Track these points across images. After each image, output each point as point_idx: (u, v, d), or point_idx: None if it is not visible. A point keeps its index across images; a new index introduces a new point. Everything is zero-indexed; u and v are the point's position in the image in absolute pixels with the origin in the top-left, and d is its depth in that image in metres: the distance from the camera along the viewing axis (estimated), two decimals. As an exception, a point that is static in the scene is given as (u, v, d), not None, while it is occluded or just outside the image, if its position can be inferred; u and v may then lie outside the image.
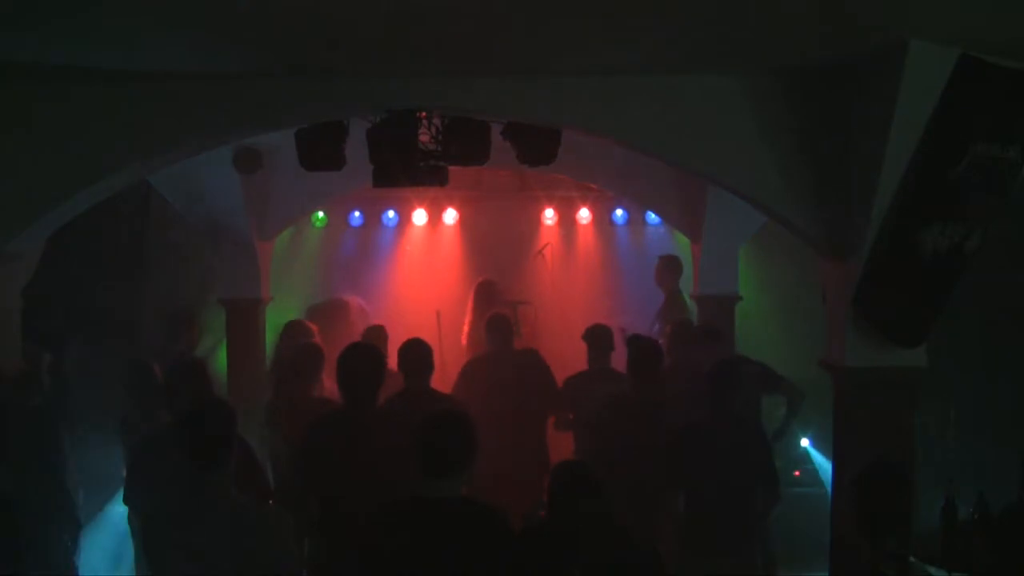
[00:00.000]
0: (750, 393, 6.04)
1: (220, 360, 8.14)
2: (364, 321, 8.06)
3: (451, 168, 5.61)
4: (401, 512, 3.63)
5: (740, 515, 5.02)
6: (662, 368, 5.62)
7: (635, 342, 5.74)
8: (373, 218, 9.89)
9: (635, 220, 9.82)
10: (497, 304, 7.57)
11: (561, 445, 6.46)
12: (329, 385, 5.78)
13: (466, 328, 8.12)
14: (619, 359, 6.13)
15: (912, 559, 3.78)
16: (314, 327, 6.81)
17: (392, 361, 5.32)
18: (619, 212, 9.79)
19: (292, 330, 6.79)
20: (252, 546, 3.47)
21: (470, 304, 7.98)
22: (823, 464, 7.63)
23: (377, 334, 6.54)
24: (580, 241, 10.04)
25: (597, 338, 6.37)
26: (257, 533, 3.49)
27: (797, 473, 7.49)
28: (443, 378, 6.47)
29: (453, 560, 3.48)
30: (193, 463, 3.50)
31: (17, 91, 4.69)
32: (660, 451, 5.08)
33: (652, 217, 9.56)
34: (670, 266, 8.66)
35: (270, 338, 8.63)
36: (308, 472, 4.63)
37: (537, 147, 5.59)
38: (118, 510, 5.63)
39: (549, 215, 9.87)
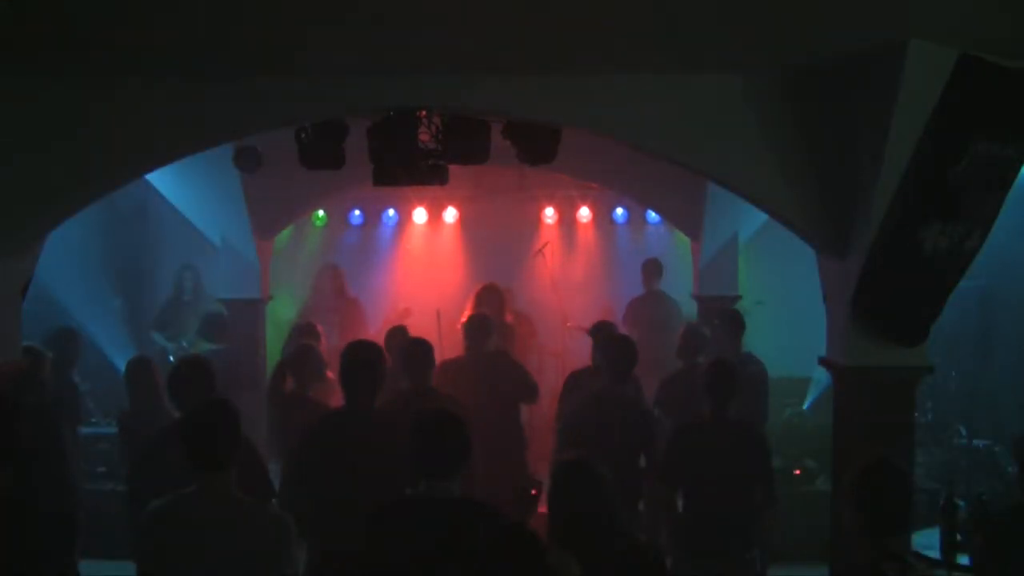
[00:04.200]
0: (753, 392, 6.06)
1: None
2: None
3: (451, 167, 5.61)
4: (399, 512, 3.64)
5: (739, 515, 5.02)
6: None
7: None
8: (373, 217, 9.92)
9: (635, 219, 9.85)
10: (498, 309, 7.57)
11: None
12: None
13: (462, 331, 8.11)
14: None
15: (912, 558, 3.78)
16: (320, 328, 6.83)
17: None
18: (619, 211, 9.81)
19: (297, 332, 6.80)
20: (254, 546, 3.47)
21: (470, 309, 7.95)
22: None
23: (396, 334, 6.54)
24: (580, 240, 10.06)
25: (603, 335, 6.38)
26: (259, 533, 3.50)
27: (798, 472, 7.48)
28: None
29: (451, 560, 3.48)
30: (197, 462, 3.50)
31: (17, 91, 4.68)
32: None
33: (652, 216, 9.58)
34: (648, 268, 8.84)
35: (270, 337, 8.67)
36: (306, 472, 4.63)
37: (537, 146, 5.59)
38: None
39: (549, 214, 9.89)
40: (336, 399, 5.39)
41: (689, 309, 8.75)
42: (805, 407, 8.41)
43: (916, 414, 5.80)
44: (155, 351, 8.50)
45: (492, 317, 6.67)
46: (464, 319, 7.97)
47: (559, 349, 9.20)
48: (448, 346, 8.30)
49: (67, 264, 8.68)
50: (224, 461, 3.51)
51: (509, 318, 7.89)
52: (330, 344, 6.93)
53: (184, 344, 8.55)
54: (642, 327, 8.09)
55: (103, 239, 9.09)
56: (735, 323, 6.51)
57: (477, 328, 6.35)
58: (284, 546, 3.51)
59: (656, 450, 5.57)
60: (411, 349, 5.44)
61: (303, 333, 6.57)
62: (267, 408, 5.86)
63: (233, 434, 3.57)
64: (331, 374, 6.12)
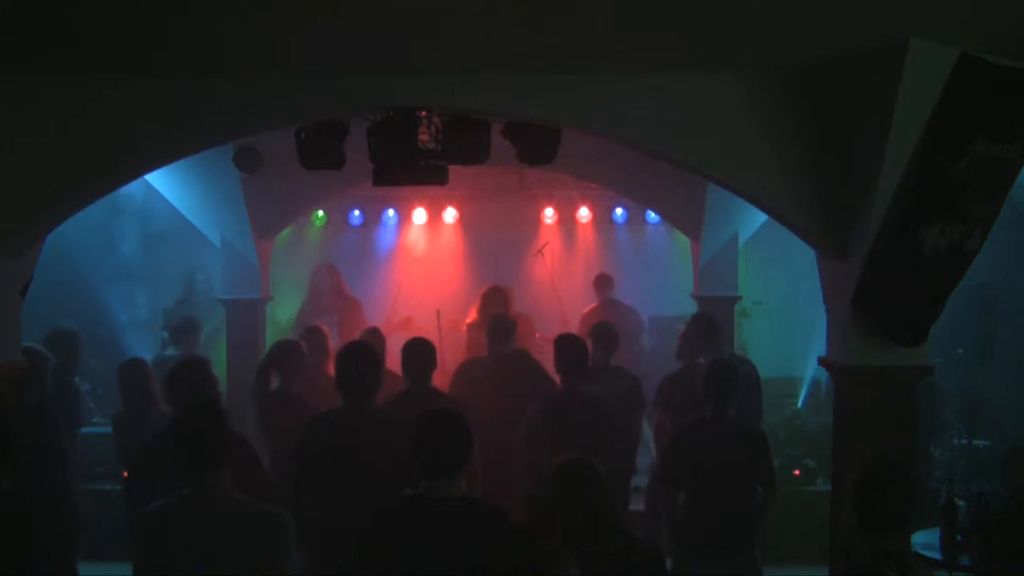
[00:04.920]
0: (748, 392, 6.07)
1: (220, 359, 8.16)
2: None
3: (451, 167, 5.61)
4: (399, 512, 3.63)
5: (740, 515, 5.02)
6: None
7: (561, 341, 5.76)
8: (373, 217, 9.92)
9: (635, 219, 9.85)
10: (503, 311, 7.57)
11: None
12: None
13: (466, 336, 8.10)
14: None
15: (912, 558, 3.78)
16: (325, 330, 6.82)
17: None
18: (619, 211, 9.81)
19: (303, 335, 6.79)
20: (252, 546, 3.48)
21: (476, 311, 7.93)
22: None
23: (373, 335, 6.54)
24: (580, 240, 10.07)
25: (601, 336, 6.38)
26: (257, 532, 3.50)
27: (797, 472, 7.49)
28: (443, 377, 6.48)
29: (453, 560, 3.48)
30: (190, 464, 3.51)
31: (17, 91, 4.69)
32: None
33: (652, 216, 9.58)
34: (599, 282, 8.98)
35: (270, 337, 8.67)
36: (304, 471, 4.63)
37: (537, 146, 5.59)
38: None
39: (549, 214, 9.90)
40: (323, 396, 5.38)
41: (689, 309, 8.75)
42: (799, 405, 8.44)
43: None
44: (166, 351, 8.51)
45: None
46: (470, 319, 7.98)
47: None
48: (448, 346, 8.31)
49: (106, 262, 8.74)
50: (217, 461, 3.52)
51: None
52: (298, 341, 6.89)
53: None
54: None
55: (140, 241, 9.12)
56: (709, 327, 6.49)
57: (499, 328, 6.32)
58: (282, 545, 3.52)
59: (624, 448, 5.55)
60: (413, 348, 5.43)
61: (309, 336, 6.57)
62: (252, 407, 5.85)
63: (222, 434, 3.58)
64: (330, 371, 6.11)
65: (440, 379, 5.68)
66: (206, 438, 3.54)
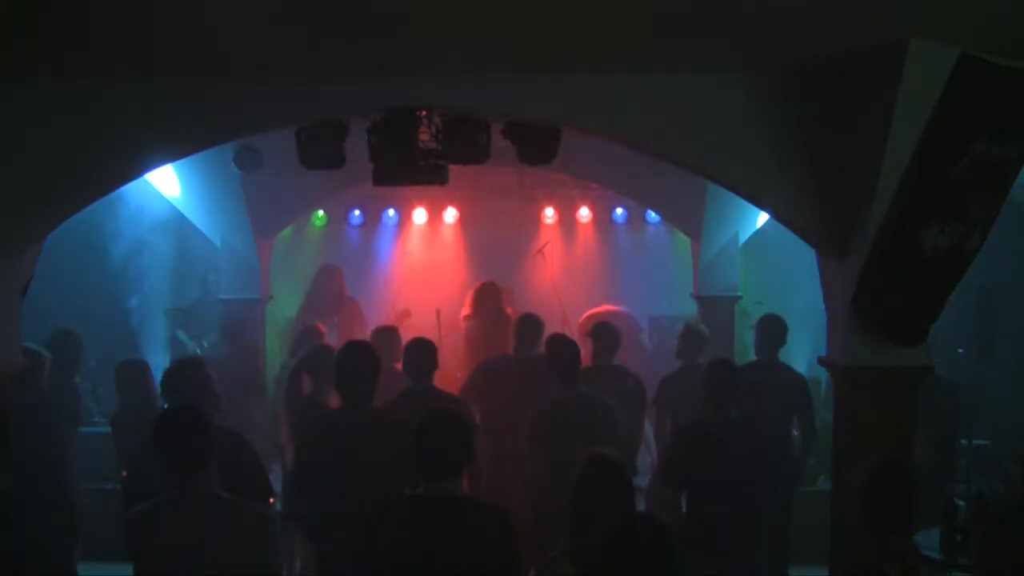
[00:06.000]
0: (782, 402, 6.07)
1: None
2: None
3: (451, 167, 5.62)
4: (400, 512, 3.64)
5: (741, 516, 5.01)
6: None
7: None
8: (373, 217, 9.93)
9: (635, 219, 9.87)
10: (500, 306, 7.56)
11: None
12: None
13: (464, 329, 8.10)
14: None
15: (915, 558, 3.78)
16: (323, 329, 6.81)
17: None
18: (619, 211, 9.82)
19: (303, 334, 6.78)
20: (238, 544, 3.51)
21: (469, 304, 7.93)
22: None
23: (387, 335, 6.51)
24: (580, 240, 10.07)
25: (603, 335, 6.38)
26: (242, 531, 3.53)
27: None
28: (441, 376, 6.47)
29: (453, 560, 3.48)
30: (175, 465, 3.54)
31: (17, 91, 4.68)
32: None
33: (652, 216, 9.59)
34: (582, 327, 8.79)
35: (270, 337, 8.68)
36: (305, 472, 4.63)
37: (537, 146, 5.59)
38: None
39: (549, 214, 9.91)
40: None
41: (690, 309, 8.76)
42: None
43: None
44: (178, 349, 8.52)
45: (542, 319, 6.56)
46: (465, 313, 7.99)
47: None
48: (448, 345, 8.31)
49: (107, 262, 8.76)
50: (199, 462, 3.55)
51: (510, 311, 7.86)
52: (330, 344, 6.92)
53: (206, 344, 8.58)
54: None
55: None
56: (780, 330, 6.45)
57: (528, 329, 6.30)
58: (267, 544, 3.55)
59: (623, 447, 5.54)
60: (414, 349, 5.43)
61: (308, 336, 6.54)
62: (283, 412, 5.82)
63: (202, 435, 3.60)
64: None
65: (440, 379, 5.67)
66: (186, 439, 3.57)
